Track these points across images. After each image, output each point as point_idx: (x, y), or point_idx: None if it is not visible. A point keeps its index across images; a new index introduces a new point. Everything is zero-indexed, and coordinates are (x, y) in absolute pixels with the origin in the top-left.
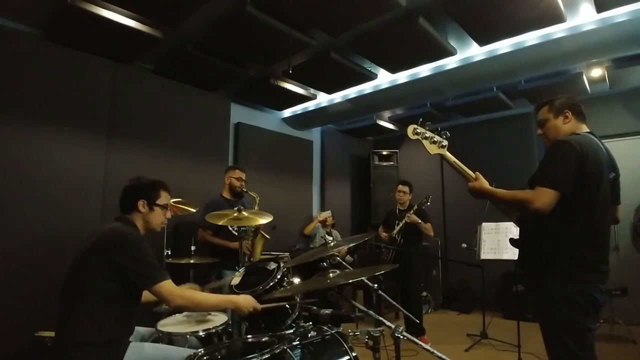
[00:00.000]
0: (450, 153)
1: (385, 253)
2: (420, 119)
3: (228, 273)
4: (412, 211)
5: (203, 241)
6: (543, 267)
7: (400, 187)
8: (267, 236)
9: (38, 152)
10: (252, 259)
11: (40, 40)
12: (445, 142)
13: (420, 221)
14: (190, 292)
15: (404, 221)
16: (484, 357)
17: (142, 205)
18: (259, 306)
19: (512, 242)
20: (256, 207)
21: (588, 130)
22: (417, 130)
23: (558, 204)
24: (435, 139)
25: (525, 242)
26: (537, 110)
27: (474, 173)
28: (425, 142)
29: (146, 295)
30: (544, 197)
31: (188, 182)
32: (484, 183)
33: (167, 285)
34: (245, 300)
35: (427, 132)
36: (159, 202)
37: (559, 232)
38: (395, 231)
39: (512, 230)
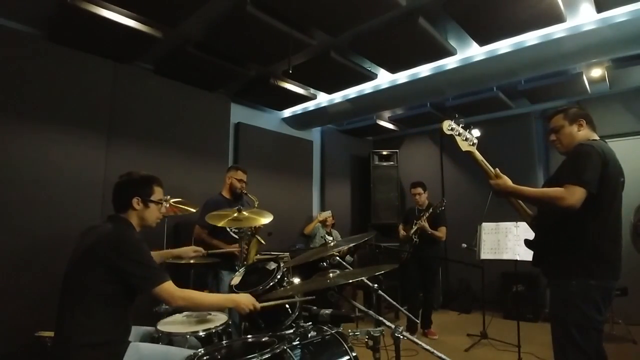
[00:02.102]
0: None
1: (402, 252)
2: (456, 115)
3: (225, 273)
4: (425, 216)
5: (198, 239)
6: (564, 263)
7: (413, 190)
8: (263, 242)
9: (38, 152)
10: (245, 262)
11: (40, 40)
12: (475, 141)
13: (430, 230)
14: (190, 293)
15: (417, 224)
16: (484, 357)
17: (136, 202)
18: (259, 305)
19: (527, 243)
20: None
21: (599, 138)
22: (452, 126)
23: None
24: (467, 136)
25: (544, 241)
26: (549, 119)
27: (495, 170)
28: (458, 138)
29: None
30: (575, 195)
31: (188, 182)
32: (508, 181)
33: (168, 287)
34: (245, 299)
35: (460, 129)
36: (153, 198)
37: (581, 230)
38: (412, 231)
39: (512, 230)
